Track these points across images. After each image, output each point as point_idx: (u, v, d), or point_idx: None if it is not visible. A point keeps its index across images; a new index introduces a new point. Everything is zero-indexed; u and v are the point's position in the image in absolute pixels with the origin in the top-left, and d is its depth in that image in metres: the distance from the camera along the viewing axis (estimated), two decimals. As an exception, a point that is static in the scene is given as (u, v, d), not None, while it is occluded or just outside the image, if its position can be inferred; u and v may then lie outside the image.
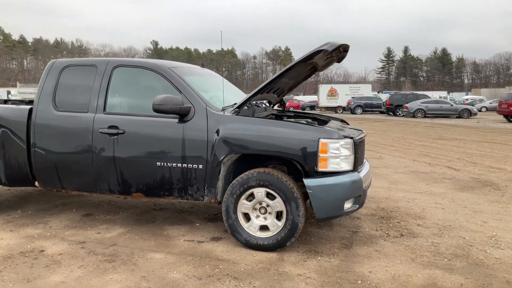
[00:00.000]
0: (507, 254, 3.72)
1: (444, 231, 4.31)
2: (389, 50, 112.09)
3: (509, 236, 4.19)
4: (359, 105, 34.59)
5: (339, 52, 4.21)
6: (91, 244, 3.90)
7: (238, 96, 4.72)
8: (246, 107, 3.86)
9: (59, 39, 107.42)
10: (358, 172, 3.74)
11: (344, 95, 38.08)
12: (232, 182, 3.73)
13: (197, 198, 3.91)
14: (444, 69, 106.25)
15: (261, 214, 3.74)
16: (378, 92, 54.72)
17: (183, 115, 3.78)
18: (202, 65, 5.11)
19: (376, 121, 24.46)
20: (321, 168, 3.51)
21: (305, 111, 6.35)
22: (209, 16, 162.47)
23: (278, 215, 3.68)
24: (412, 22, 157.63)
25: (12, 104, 5.57)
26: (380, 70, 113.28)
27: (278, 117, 4.80)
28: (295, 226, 3.57)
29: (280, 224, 3.65)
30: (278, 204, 3.62)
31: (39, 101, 4.29)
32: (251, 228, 3.73)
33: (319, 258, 3.60)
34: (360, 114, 33.88)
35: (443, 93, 55.74)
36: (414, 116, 27.23)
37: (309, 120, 4.68)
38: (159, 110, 3.66)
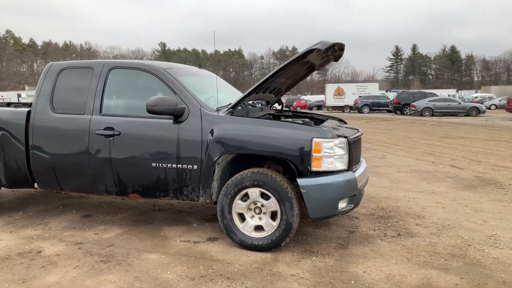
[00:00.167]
0: (505, 253, 3.68)
1: (443, 231, 4.27)
2: (397, 48, 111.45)
3: (509, 235, 4.13)
4: (366, 104, 34.42)
5: (334, 51, 4.19)
6: (88, 244, 3.93)
7: (235, 96, 4.71)
8: (240, 107, 3.86)
9: (68, 42, 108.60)
10: (353, 171, 3.72)
11: (351, 94, 37.92)
12: (227, 183, 3.73)
13: (193, 199, 3.92)
14: (453, 67, 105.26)
15: (256, 214, 3.74)
16: (386, 91, 54.37)
17: (177, 116, 3.79)
18: (200, 66, 5.12)
19: (382, 120, 24.31)
20: (314, 167, 3.49)
21: (304, 111, 6.32)
22: (216, 17, 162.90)
23: (273, 215, 3.68)
24: (420, 20, 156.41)
25: (14, 107, 5.64)
26: (388, 68, 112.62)
27: (276, 117, 4.79)
28: (290, 226, 3.56)
29: (275, 224, 3.64)
30: (272, 204, 3.62)
31: (37, 103, 4.34)
32: (246, 228, 3.73)
33: (313, 258, 3.59)
34: (367, 113, 33.71)
35: (452, 91, 55.30)
36: (421, 115, 27.03)
37: (306, 120, 4.67)
38: (152, 111, 3.67)
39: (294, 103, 48.15)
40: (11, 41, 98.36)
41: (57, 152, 4.23)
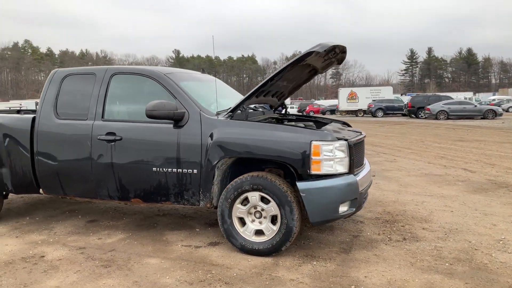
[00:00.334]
0: (513, 258, 3.56)
1: (450, 235, 4.17)
2: (412, 51, 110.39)
3: (519, 239, 4.01)
4: (380, 108, 34.07)
5: (336, 53, 4.15)
6: (90, 249, 3.95)
7: (237, 100, 4.71)
8: (239, 111, 3.84)
9: (84, 50, 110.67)
10: (355, 175, 3.66)
11: (365, 98, 37.58)
12: (227, 187, 3.71)
13: (193, 203, 3.91)
14: (470, 70, 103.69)
15: (256, 219, 3.71)
16: (401, 95, 53.82)
17: (177, 120, 3.80)
18: (203, 71, 5.14)
19: (396, 123, 24.04)
20: (314, 171, 3.45)
21: (308, 115, 6.27)
22: (229, 23, 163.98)
23: (273, 219, 3.64)
24: (435, 22, 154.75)
25: (24, 114, 5.74)
26: (404, 72, 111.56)
27: (279, 120, 4.76)
28: (290, 230, 3.52)
29: (275, 228, 3.60)
30: (272, 208, 3.58)
31: (42, 109, 4.40)
32: (246, 232, 3.70)
33: (314, 263, 3.54)
34: (381, 117, 33.36)
35: (469, 94, 54.35)
36: (436, 118, 26.62)
37: (309, 123, 4.63)
38: (151, 115, 3.69)
39: (307, 108, 48.04)
40: (30, 51, 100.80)
41: (61, 158, 4.28)
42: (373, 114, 34.07)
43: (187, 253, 3.81)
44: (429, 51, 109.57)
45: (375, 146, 12.17)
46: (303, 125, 4.11)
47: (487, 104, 34.14)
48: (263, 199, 3.63)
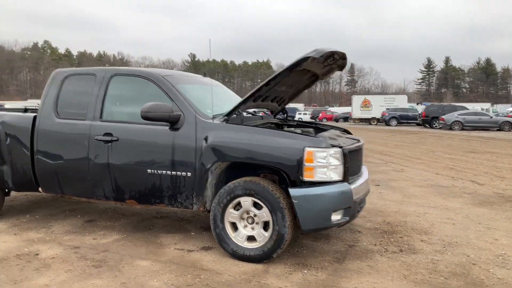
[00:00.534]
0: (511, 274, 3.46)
1: (448, 248, 4.07)
2: (429, 60, 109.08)
3: (520, 255, 3.89)
4: (393, 117, 33.75)
5: (335, 59, 4.11)
6: (84, 249, 3.97)
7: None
8: (235, 115, 3.82)
9: (102, 52, 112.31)
10: (350, 183, 3.61)
11: (379, 106, 37.25)
12: (220, 191, 3.69)
13: (187, 206, 3.90)
14: (488, 80, 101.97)
15: (248, 224, 3.68)
16: (417, 104, 53.15)
17: (172, 122, 3.80)
18: (205, 75, 5.15)
19: (409, 133, 23.74)
20: (307, 177, 3.41)
21: (310, 121, 6.22)
22: (245, 28, 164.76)
23: (266, 226, 3.60)
24: (453, 32, 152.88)
25: (31, 112, 5.81)
26: (420, 81, 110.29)
27: (279, 126, 4.73)
28: (281, 237, 3.48)
29: (267, 234, 3.56)
30: (264, 214, 3.55)
31: (43, 109, 4.45)
32: (238, 238, 3.67)
33: (305, 271, 3.48)
34: (395, 126, 33.02)
35: (487, 105, 53.47)
36: (451, 129, 26.24)
37: (309, 130, 4.59)
38: (146, 117, 3.70)
39: (320, 115, 47.83)
40: (49, 51, 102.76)
41: (60, 157, 4.31)
42: (387, 123, 33.76)
43: (179, 256, 3.79)
44: (447, 60, 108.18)
45: (384, 155, 12.03)
46: (300, 131, 4.07)
47: (505, 116, 33.51)
48: (256, 205, 3.59)
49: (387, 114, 34.24)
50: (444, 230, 4.63)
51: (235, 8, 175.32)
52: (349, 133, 4.78)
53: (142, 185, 3.97)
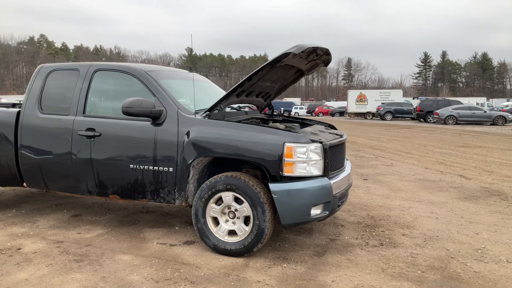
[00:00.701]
0: (488, 268, 3.50)
1: (429, 242, 4.11)
2: (426, 54, 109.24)
3: (498, 249, 3.94)
4: (389, 111, 33.83)
5: (318, 55, 4.12)
6: (67, 243, 3.99)
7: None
8: (217, 110, 3.84)
9: (98, 46, 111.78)
10: (330, 178, 3.63)
11: (374, 100, 37.33)
12: (201, 186, 3.71)
13: (169, 201, 3.92)
14: (485, 75, 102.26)
15: (230, 219, 3.70)
16: (413, 98, 53.25)
17: (154, 118, 3.81)
18: (190, 69, 5.14)
19: (403, 127, 23.82)
20: (286, 172, 3.43)
21: (295, 116, 6.24)
22: (242, 22, 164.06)
23: (247, 220, 3.63)
24: (450, 26, 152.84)
25: (19, 108, 5.81)
26: (417, 75, 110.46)
27: (264, 121, 4.75)
28: (262, 232, 3.51)
29: (248, 229, 3.59)
30: (245, 208, 3.57)
31: (27, 104, 4.45)
32: (220, 232, 3.69)
33: (285, 265, 3.52)
34: (390, 120, 33.10)
35: (482, 99, 53.59)
36: (445, 123, 26.33)
37: (295, 125, 4.60)
38: (127, 112, 3.70)
39: (316, 109, 47.86)
40: (45, 45, 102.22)
41: (43, 152, 4.32)
42: (382, 117, 33.84)
43: (160, 251, 3.82)
44: (443, 54, 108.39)
45: (375, 149, 12.08)
46: (283, 127, 4.08)
47: (499, 110, 33.63)
48: (237, 200, 3.62)
49: (382, 109, 34.31)
50: (427, 224, 4.68)
51: (232, 1, 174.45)
52: (334, 128, 4.80)
53: (125, 180, 3.99)
